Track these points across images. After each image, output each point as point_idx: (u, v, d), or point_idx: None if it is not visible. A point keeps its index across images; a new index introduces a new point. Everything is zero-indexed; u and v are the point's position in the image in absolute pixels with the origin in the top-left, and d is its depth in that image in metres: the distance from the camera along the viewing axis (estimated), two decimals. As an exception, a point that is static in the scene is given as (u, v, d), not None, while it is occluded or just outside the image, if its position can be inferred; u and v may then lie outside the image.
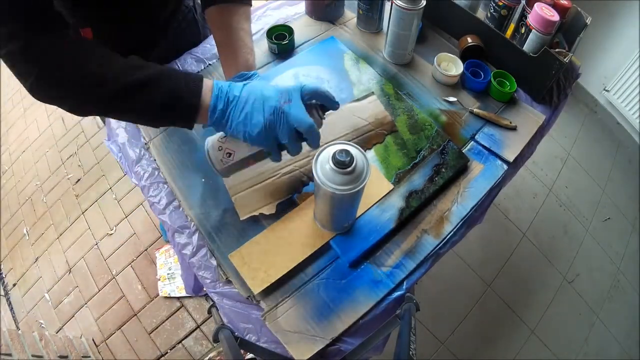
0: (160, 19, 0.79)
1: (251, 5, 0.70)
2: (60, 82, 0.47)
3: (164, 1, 0.77)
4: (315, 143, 0.53)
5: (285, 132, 0.51)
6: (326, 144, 0.70)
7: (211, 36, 0.89)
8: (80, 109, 0.51)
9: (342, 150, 0.48)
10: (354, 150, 0.50)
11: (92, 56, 0.48)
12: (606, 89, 1.80)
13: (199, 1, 0.90)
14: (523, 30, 0.81)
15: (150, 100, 0.49)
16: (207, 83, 0.51)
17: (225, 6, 0.66)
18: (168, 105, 0.50)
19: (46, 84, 0.47)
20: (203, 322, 1.37)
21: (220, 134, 0.57)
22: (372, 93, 0.78)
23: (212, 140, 0.57)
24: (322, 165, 0.50)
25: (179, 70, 0.51)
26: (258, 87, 0.52)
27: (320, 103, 0.55)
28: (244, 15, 0.68)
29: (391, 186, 0.68)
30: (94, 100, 0.49)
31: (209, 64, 0.84)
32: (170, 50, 0.84)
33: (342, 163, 0.48)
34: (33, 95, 0.48)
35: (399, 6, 0.74)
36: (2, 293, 1.57)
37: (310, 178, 0.67)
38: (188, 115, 0.51)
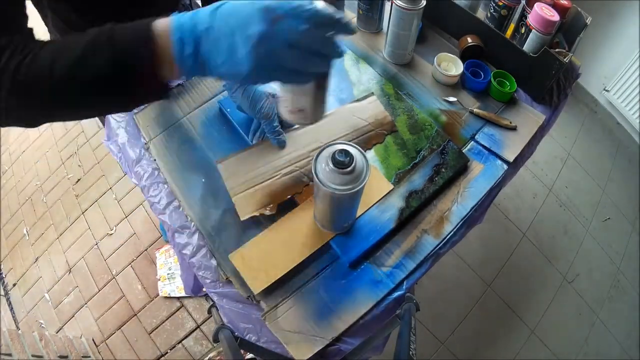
0: (159, 16, 0.79)
1: None
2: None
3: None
4: (346, 29, 0.38)
5: (286, 52, 0.36)
6: (326, 144, 0.70)
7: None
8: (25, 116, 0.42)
9: (341, 151, 0.48)
10: (354, 150, 0.50)
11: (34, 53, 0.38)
12: (606, 89, 1.80)
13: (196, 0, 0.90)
14: (523, 30, 0.81)
15: (89, 80, 0.37)
16: (162, 27, 0.37)
17: None
18: (117, 78, 0.37)
19: None
20: (203, 322, 1.37)
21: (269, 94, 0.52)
22: (372, 93, 0.78)
23: (279, 105, 0.48)
24: (322, 165, 0.50)
25: (120, 27, 0.38)
26: (234, 8, 0.36)
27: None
28: None
29: (391, 186, 0.68)
30: (33, 101, 0.39)
31: (209, 64, 0.84)
32: None
33: (342, 163, 0.48)
34: None
35: (399, 6, 0.74)
36: (2, 293, 1.57)
37: (311, 178, 0.68)
38: (149, 82, 0.38)
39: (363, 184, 0.50)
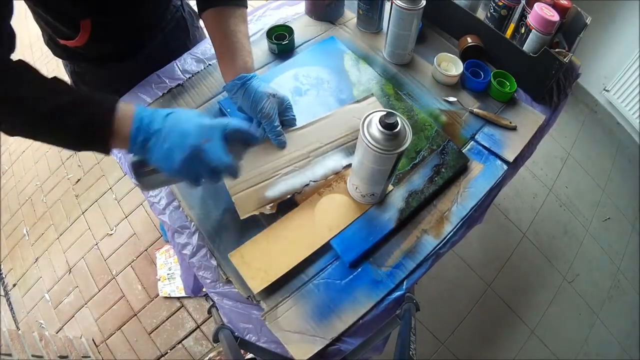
0: (153, 16, 0.79)
1: (247, 7, 0.70)
2: None
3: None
4: (234, 176, 0.55)
5: (205, 170, 0.51)
6: (326, 144, 0.70)
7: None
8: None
9: (388, 114, 0.51)
10: (399, 118, 0.53)
11: (13, 79, 0.47)
12: (606, 89, 1.80)
13: (187, 0, 0.90)
14: (523, 30, 0.81)
15: (64, 127, 0.48)
16: (127, 112, 0.50)
17: (222, 9, 0.66)
18: (82, 133, 0.49)
19: None
20: (203, 322, 1.37)
21: None
22: (372, 95, 0.78)
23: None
24: (370, 128, 0.53)
25: (95, 97, 0.50)
26: (181, 120, 0.51)
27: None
28: (241, 17, 0.67)
29: (391, 187, 0.68)
30: (9, 125, 0.49)
31: (209, 64, 0.84)
32: (161, 49, 0.84)
33: (390, 125, 0.51)
34: None
35: (399, 6, 0.74)
36: (2, 293, 1.57)
37: (310, 178, 0.68)
38: (102, 144, 0.50)
39: (406, 145, 0.52)
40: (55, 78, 0.49)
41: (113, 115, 0.49)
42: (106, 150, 0.51)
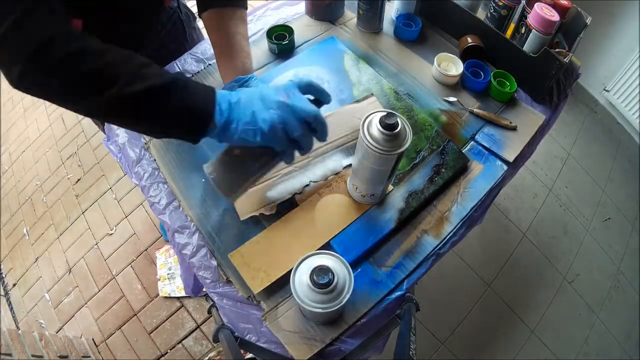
0: (149, 20, 0.78)
1: (247, 8, 0.70)
2: (58, 73, 0.41)
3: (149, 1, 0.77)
4: (323, 134, 0.54)
5: (296, 124, 0.50)
6: (326, 144, 0.70)
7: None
8: (76, 107, 0.46)
9: (388, 114, 0.51)
10: (399, 119, 0.52)
11: (102, 50, 0.43)
12: (606, 89, 1.80)
13: (183, 2, 0.90)
14: (523, 30, 0.81)
15: (162, 107, 0.46)
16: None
17: (221, 10, 0.66)
18: (180, 115, 0.48)
19: (38, 73, 0.40)
20: (203, 322, 1.37)
21: (218, 155, 0.56)
22: (372, 94, 0.78)
23: (215, 163, 0.56)
24: (370, 129, 0.52)
25: (192, 80, 0.50)
26: (254, 89, 0.53)
27: (314, 98, 0.56)
28: (240, 19, 0.67)
29: (391, 187, 0.68)
30: (98, 101, 0.43)
31: (209, 64, 0.84)
32: (159, 51, 0.84)
33: (390, 126, 0.51)
34: (19, 87, 0.42)
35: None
36: (2, 293, 1.57)
37: (310, 179, 0.68)
38: (199, 126, 0.49)
39: (406, 146, 0.52)
40: (147, 59, 0.47)
41: (213, 98, 0.49)
42: (198, 135, 0.50)
